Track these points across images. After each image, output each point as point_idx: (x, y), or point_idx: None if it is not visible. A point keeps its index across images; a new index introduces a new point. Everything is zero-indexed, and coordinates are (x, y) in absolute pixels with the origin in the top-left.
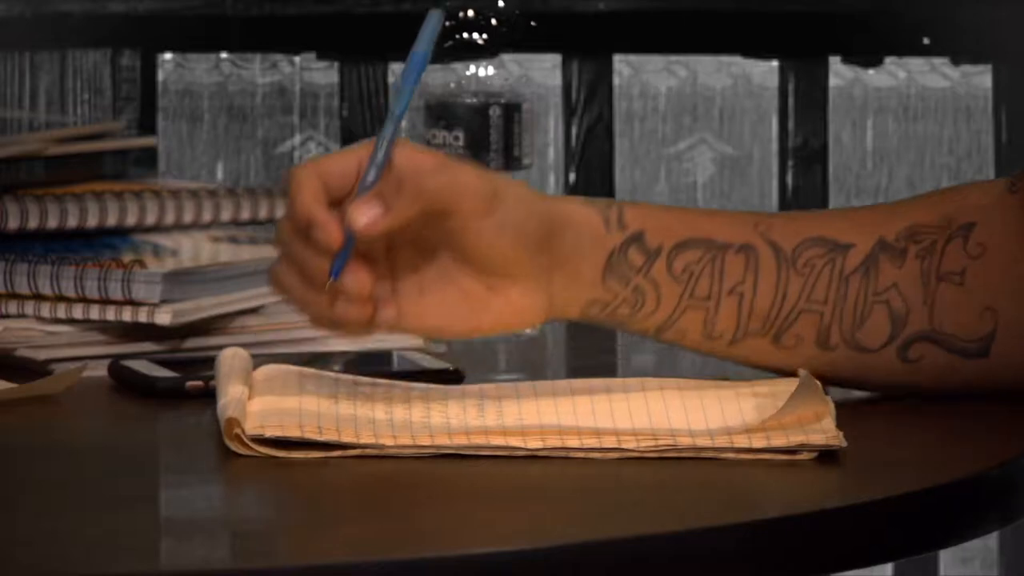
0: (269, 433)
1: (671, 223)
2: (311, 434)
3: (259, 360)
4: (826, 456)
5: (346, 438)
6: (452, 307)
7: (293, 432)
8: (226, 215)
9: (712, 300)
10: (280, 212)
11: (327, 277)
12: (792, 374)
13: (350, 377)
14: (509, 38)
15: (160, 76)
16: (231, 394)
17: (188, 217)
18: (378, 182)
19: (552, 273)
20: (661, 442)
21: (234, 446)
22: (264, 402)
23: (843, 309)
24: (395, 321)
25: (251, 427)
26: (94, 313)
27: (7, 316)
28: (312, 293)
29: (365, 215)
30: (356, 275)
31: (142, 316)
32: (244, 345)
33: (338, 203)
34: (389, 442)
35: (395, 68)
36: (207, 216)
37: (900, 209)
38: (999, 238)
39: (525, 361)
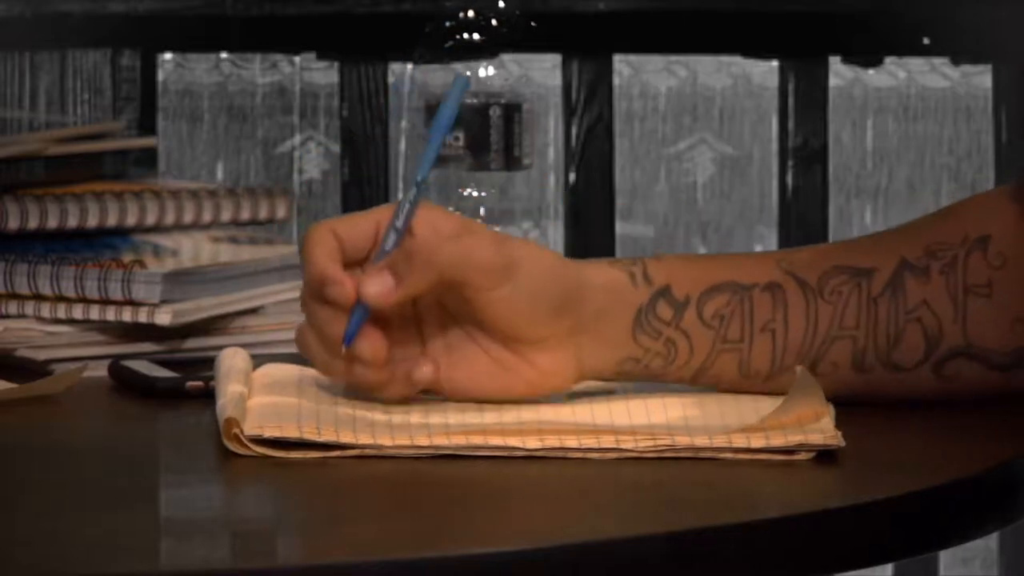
0: (268, 434)
1: (695, 273)
2: (310, 435)
3: (259, 360)
4: (825, 456)
5: (344, 439)
6: (482, 371)
7: (292, 433)
8: (226, 215)
9: (745, 341)
10: (281, 213)
11: (341, 340)
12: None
13: None
14: (509, 38)
15: (160, 76)
16: (230, 394)
17: (188, 217)
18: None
19: (578, 337)
20: (659, 442)
21: (232, 446)
22: (263, 402)
23: (875, 331)
24: (433, 378)
25: (250, 427)
26: (94, 313)
27: (7, 316)
28: (331, 360)
29: (376, 286)
30: (371, 341)
31: (142, 316)
32: (244, 345)
33: (356, 265)
34: (387, 442)
35: (395, 68)
36: (207, 216)
37: (914, 230)
38: (1017, 248)
39: None
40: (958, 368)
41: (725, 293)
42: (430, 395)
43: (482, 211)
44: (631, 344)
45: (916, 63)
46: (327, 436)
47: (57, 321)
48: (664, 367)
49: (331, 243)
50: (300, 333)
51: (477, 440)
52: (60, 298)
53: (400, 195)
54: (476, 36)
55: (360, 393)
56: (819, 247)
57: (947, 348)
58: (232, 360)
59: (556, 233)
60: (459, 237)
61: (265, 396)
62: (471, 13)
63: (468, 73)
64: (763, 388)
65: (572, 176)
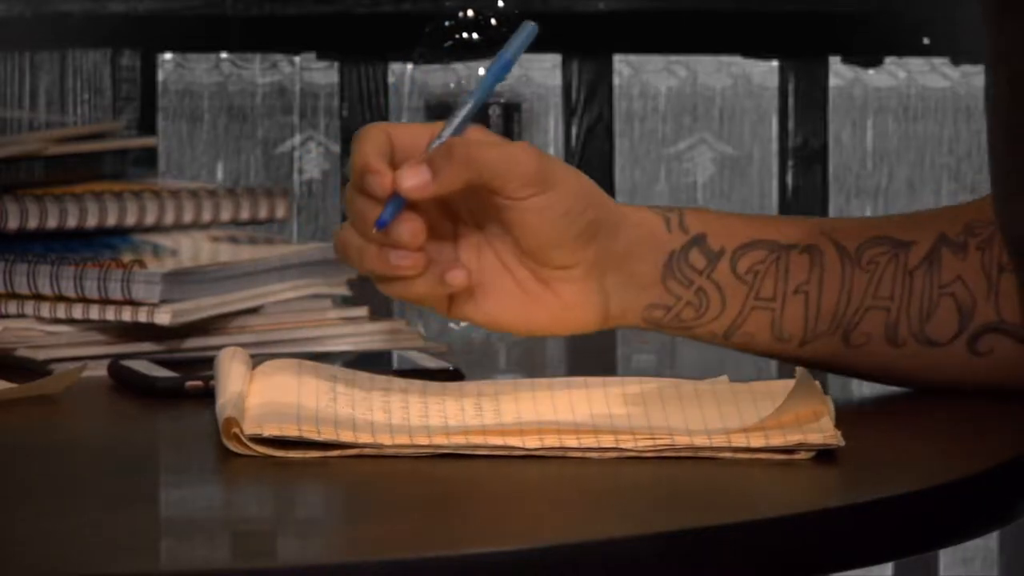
0: (267, 433)
1: (734, 227)
2: (309, 434)
3: (258, 360)
4: (824, 455)
5: (344, 438)
6: (507, 297)
7: (291, 432)
8: (226, 215)
9: (777, 301)
10: (280, 212)
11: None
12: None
13: (349, 371)
14: (509, 38)
15: (160, 76)
16: (229, 393)
17: (188, 217)
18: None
19: (606, 272)
20: (659, 442)
21: (232, 445)
22: (262, 402)
23: (909, 304)
24: (464, 283)
25: (249, 427)
26: (94, 313)
27: (7, 316)
28: (367, 247)
29: (412, 178)
30: (409, 224)
31: (142, 316)
32: (244, 345)
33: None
34: (387, 441)
35: (395, 68)
36: (207, 216)
37: (958, 209)
38: None
39: (525, 361)
40: (991, 344)
41: (762, 250)
42: (427, 388)
43: None
44: (660, 289)
45: (916, 63)
46: (327, 435)
47: (57, 321)
48: (695, 319)
49: (382, 140)
50: (338, 233)
51: (477, 440)
52: (60, 298)
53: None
54: (476, 36)
55: (389, 287)
56: (861, 219)
57: (980, 323)
58: (231, 360)
59: None
60: (499, 142)
61: (264, 396)
62: (471, 13)
63: (534, 23)
64: (797, 355)
65: None
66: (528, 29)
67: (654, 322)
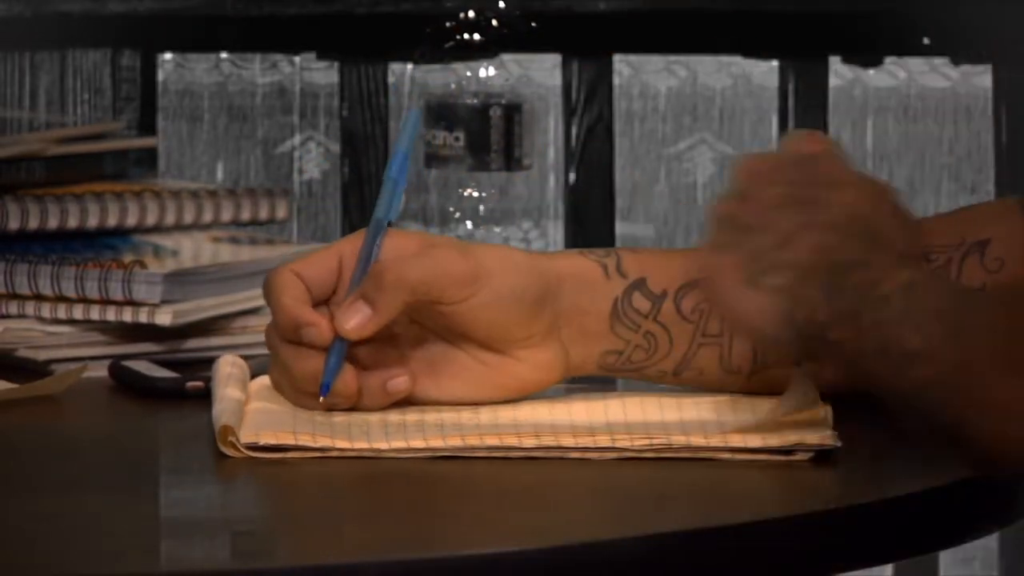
0: (263, 441)
1: (673, 267)
2: (305, 441)
3: (259, 360)
4: (822, 456)
5: (340, 444)
6: (472, 375)
7: (287, 440)
8: (226, 215)
9: (725, 335)
10: (281, 213)
11: (317, 380)
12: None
13: None
14: (509, 38)
15: (160, 76)
16: (226, 400)
17: (189, 217)
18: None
19: (560, 331)
20: (656, 442)
21: (229, 452)
22: (258, 409)
23: None
24: (408, 388)
25: (245, 436)
26: (94, 313)
27: (8, 316)
28: (303, 396)
29: (353, 319)
30: (342, 379)
31: (142, 316)
32: (244, 346)
33: (321, 304)
34: (383, 446)
35: (395, 68)
36: (207, 216)
37: None
38: (1018, 251)
39: None
40: None
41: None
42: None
43: (481, 209)
44: (611, 336)
45: (916, 63)
46: (323, 442)
47: (57, 321)
48: (646, 359)
49: (297, 286)
50: (271, 374)
51: (473, 441)
52: (61, 298)
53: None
54: (477, 36)
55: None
56: None
57: None
58: (229, 368)
59: (556, 233)
60: (425, 253)
61: (261, 403)
62: (471, 13)
63: (416, 109)
64: (747, 386)
65: (572, 176)
66: (413, 116)
67: (608, 367)
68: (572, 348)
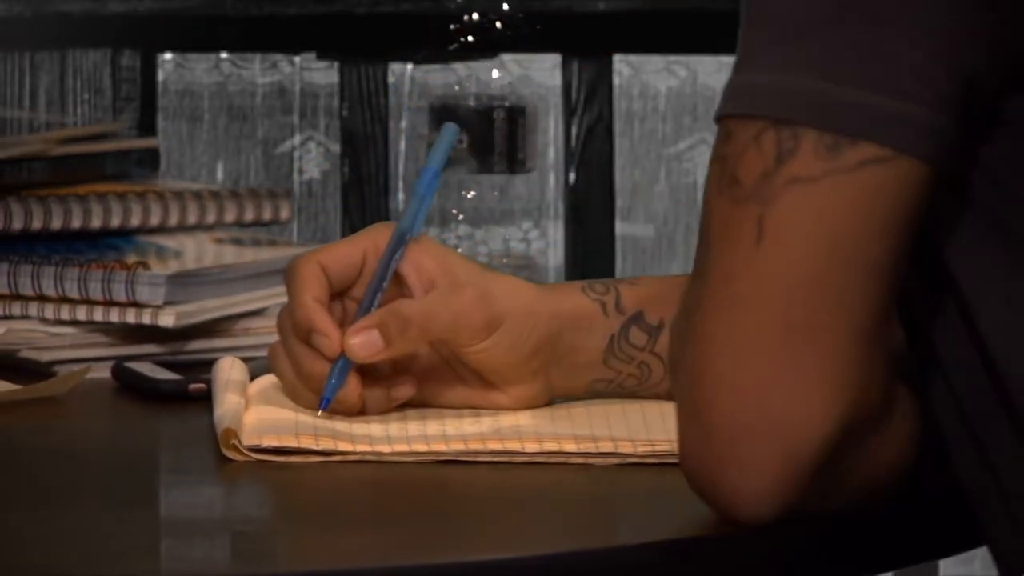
0: (266, 444)
1: (670, 295)
2: (307, 444)
3: (260, 362)
4: None
5: (342, 447)
6: (458, 396)
7: (289, 443)
8: (230, 216)
9: None
10: (284, 214)
11: (320, 381)
12: None
13: None
14: (510, 39)
15: (160, 76)
16: (228, 404)
17: (192, 218)
18: (382, 294)
19: (549, 368)
20: (658, 448)
21: (231, 455)
22: (260, 413)
23: None
24: (411, 395)
25: (248, 439)
26: (98, 315)
27: (11, 317)
28: (302, 389)
29: (364, 348)
30: (346, 391)
31: (146, 318)
32: (247, 347)
33: (340, 294)
34: (386, 450)
35: (395, 68)
36: (210, 217)
37: None
38: None
39: None
40: None
41: None
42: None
43: (481, 209)
44: (602, 368)
45: None
46: (325, 445)
47: (61, 322)
48: (637, 385)
49: (320, 282)
50: (275, 356)
51: (476, 446)
52: (64, 299)
53: (400, 197)
54: (478, 37)
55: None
56: None
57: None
58: (229, 371)
59: (556, 233)
60: (448, 301)
61: (262, 407)
62: (475, 16)
63: (454, 125)
64: None
65: (572, 176)
66: (450, 132)
67: (596, 392)
68: (560, 381)
